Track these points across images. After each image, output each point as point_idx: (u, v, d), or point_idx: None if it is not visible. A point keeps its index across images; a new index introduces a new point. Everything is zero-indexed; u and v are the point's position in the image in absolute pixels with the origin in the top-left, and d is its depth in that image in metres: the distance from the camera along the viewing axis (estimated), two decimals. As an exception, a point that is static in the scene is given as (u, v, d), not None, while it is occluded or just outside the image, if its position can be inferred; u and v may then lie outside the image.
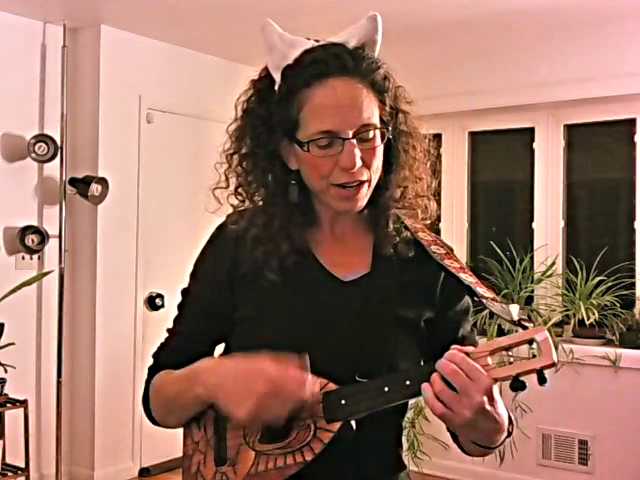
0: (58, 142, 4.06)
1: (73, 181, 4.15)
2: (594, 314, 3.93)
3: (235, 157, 1.27)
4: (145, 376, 1.32)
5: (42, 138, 4.02)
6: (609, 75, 4.00)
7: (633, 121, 4.14)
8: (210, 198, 1.31)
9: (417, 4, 3.76)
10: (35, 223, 4.09)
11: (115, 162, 4.30)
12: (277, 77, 1.22)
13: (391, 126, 1.23)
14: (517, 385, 1.05)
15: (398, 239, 1.27)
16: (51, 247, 4.11)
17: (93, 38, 4.25)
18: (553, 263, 4.23)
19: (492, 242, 4.38)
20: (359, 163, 1.17)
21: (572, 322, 4.10)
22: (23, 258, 4.06)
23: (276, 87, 1.22)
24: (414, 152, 1.27)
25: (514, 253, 4.27)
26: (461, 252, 4.44)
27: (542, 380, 1.04)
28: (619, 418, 3.90)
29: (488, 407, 1.06)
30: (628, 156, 4.18)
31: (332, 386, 1.14)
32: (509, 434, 1.19)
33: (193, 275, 1.33)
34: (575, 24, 4.07)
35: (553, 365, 1.04)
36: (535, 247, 4.35)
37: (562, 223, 4.35)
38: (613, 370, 3.88)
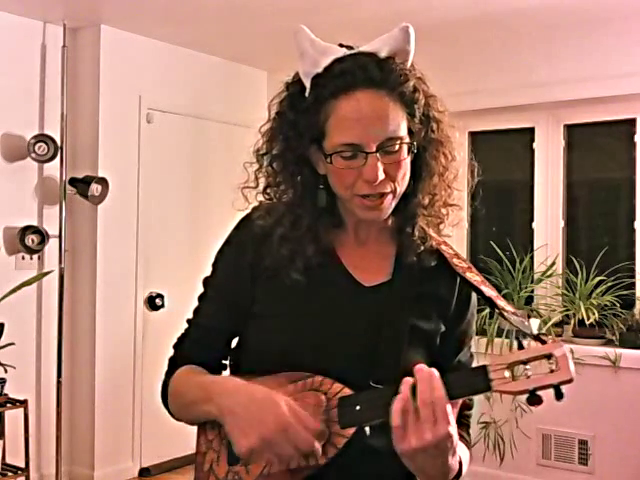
0: (58, 142, 4.06)
1: (73, 181, 4.15)
2: (594, 314, 3.93)
3: (266, 157, 1.28)
4: (165, 367, 1.33)
5: (42, 138, 4.02)
6: (609, 75, 4.00)
7: (633, 121, 4.13)
8: (226, 197, 1.31)
9: (417, 4, 3.76)
10: (35, 223, 4.09)
11: (115, 162, 4.30)
12: (307, 84, 1.22)
13: (422, 135, 1.23)
14: (533, 399, 1.05)
15: (423, 248, 1.27)
16: (51, 247, 4.11)
17: (93, 38, 4.25)
18: (553, 263, 4.23)
19: (492, 242, 4.39)
20: (382, 176, 1.17)
21: (572, 322, 4.10)
22: (23, 258, 4.06)
23: (306, 94, 1.22)
24: (445, 160, 1.27)
25: (514, 253, 4.27)
26: (461, 252, 4.43)
27: (559, 395, 1.04)
28: (619, 418, 3.89)
29: (433, 451, 1.07)
30: (628, 156, 4.18)
31: (347, 391, 1.14)
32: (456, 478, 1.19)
33: (215, 265, 1.33)
34: (575, 24, 4.07)
35: (571, 381, 1.04)
36: (535, 247, 4.35)
37: (562, 223, 4.35)
38: (613, 370, 3.88)
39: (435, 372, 1.08)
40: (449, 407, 1.06)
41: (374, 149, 1.16)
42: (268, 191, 1.28)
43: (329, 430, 1.13)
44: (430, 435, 1.05)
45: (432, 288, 1.28)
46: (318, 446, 1.11)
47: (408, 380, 1.08)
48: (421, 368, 1.08)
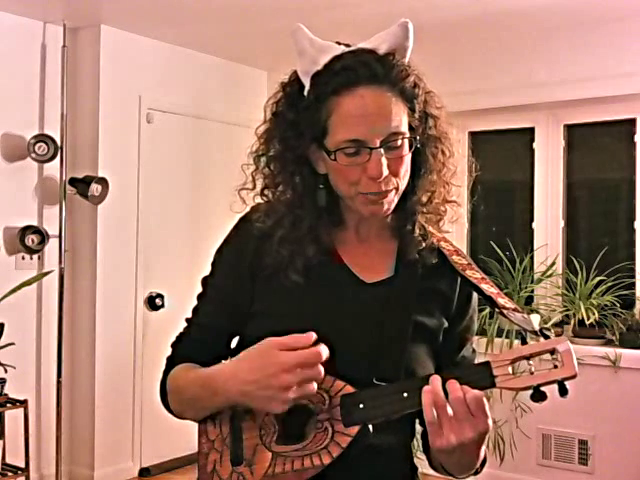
0: (58, 142, 4.06)
1: (73, 181, 4.15)
2: (594, 314, 3.93)
3: (263, 159, 1.27)
4: (163, 366, 1.33)
5: (42, 138, 4.02)
6: (609, 75, 4.00)
7: (633, 121, 4.13)
8: (226, 198, 1.30)
9: (417, 4, 3.76)
10: (35, 223, 4.08)
11: (115, 162, 4.30)
12: (306, 83, 1.21)
13: (420, 131, 1.23)
14: (537, 396, 1.05)
15: (424, 245, 1.27)
16: (51, 247, 4.11)
17: (93, 38, 4.25)
18: (553, 263, 4.23)
19: (492, 242, 4.39)
20: (386, 172, 1.17)
21: (572, 322, 4.10)
22: (23, 258, 4.06)
23: (305, 93, 1.21)
24: (443, 157, 1.27)
25: (514, 253, 4.27)
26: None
27: (563, 391, 1.04)
28: (619, 418, 3.89)
29: (472, 446, 1.08)
30: (628, 156, 4.18)
31: (350, 389, 1.14)
32: (476, 472, 1.21)
33: (214, 265, 1.32)
34: (575, 24, 4.07)
35: (574, 376, 1.04)
36: (535, 247, 4.35)
37: (562, 223, 4.35)
38: (613, 370, 3.88)
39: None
40: (485, 400, 1.07)
41: (378, 145, 1.16)
42: (266, 192, 1.28)
43: (332, 429, 1.13)
44: (471, 432, 1.06)
45: (434, 284, 1.28)
46: (323, 352, 1.10)
47: (437, 377, 1.09)
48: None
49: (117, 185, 4.24)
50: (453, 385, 1.07)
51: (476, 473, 1.22)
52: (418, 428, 1.24)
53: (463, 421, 1.06)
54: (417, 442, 1.32)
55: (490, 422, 1.07)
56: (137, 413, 4.40)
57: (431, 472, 1.31)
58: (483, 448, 1.14)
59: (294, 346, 1.10)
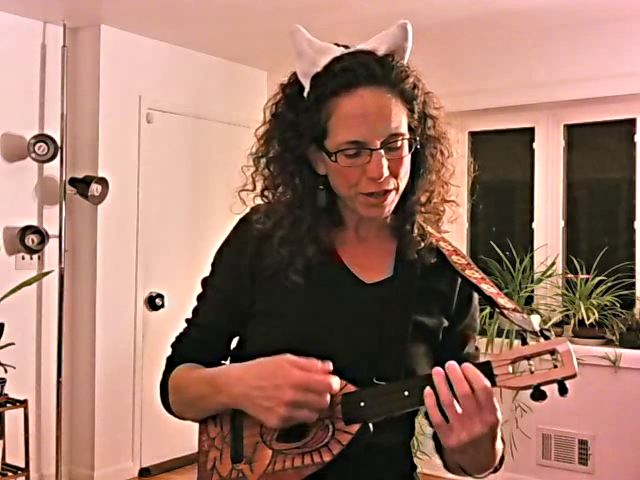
0: (58, 142, 4.06)
1: (73, 181, 4.15)
2: (594, 314, 3.93)
3: (262, 160, 1.27)
4: (163, 367, 1.33)
5: (42, 138, 4.02)
6: (609, 75, 4.00)
7: (633, 121, 4.13)
8: (226, 198, 1.30)
9: (417, 4, 3.76)
10: (35, 223, 4.09)
11: (115, 162, 4.30)
12: (306, 84, 1.21)
13: (419, 131, 1.23)
14: (537, 395, 1.05)
15: (423, 244, 1.28)
16: (51, 247, 4.11)
17: (93, 38, 4.25)
18: (553, 263, 4.23)
19: (492, 242, 4.39)
20: (386, 173, 1.17)
21: (572, 322, 4.10)
22: (23, 258, 4.06)
23: (305, 94, 1.21)
24: (442, 157, 1.27)
25: (514, 253, 4.27)
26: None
27: (563, 390, 1.05)
28: (619, 418, 3.90)
29: (484, 440, 1.08)
30: (628, 156, 4.18)
31: (351, 388, 1.15)
32: (495, 470, 1.22)
33: (214, 266, 1.33)
34: (575, 24, 4.07)
35: (574, 376, 1.04)
36: (535, 247, 4.35)
37: (562, 223, 4.35)
38: (613, 370, 3.88)
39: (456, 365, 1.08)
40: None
41: (378, 146, 1.16)
42: (266, 193, 1.28)
43: (333, 427, 1.14)
44: (480, 426, 1.06)
45: (433, 284, 1.28)
46: (336, 385, 1.11)
47: (439, 371, 1.08)
48: (450, 364, 1.08)
49: (117, 185, 4.24)
50: (457, 376, 1.06)
51: (495, 471, 1.22)
52: (420, 429, 1.25)
53: (473, 416, 1.05)
54: (416, 442, 1.32)
55: (500, 415, 1.07)
56: (137, 413, 4.40)
57: (431, 472, 1.31)
58: (499, 444, 1.14)
59: (308, 369, 1.11)
